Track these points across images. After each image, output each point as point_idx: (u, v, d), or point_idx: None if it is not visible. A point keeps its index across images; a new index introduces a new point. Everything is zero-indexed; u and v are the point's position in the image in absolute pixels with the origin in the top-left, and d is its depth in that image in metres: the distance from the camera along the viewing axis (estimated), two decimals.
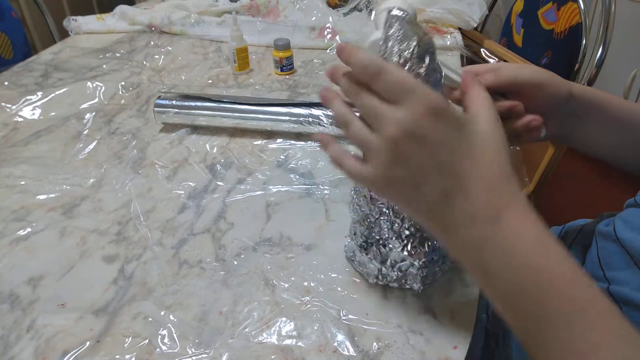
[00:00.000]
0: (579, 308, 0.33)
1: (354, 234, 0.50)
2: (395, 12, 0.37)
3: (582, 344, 0.32)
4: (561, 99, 0.48)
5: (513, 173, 0.36)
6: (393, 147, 0.34)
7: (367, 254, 0.48)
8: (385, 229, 0.46)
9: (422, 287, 0.46)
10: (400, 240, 0.45)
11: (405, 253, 0.45)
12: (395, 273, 0.46)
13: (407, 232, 0.45)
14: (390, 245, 0.46)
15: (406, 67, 0.37)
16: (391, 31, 0.38)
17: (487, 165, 0.35)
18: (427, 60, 0.37)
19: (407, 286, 0.47)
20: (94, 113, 0.82)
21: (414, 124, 0.33)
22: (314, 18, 1.17)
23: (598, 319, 0.33)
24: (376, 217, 0.46)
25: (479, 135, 0.36)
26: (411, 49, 0.37)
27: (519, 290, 0.34)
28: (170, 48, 1.11)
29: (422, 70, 0.37)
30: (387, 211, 0.45)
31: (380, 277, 0.47)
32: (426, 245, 0.45)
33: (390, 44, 0.38)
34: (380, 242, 0.46)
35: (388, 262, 0.46)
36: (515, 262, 0.34)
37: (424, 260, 0.45)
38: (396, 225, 0.45)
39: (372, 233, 0.47)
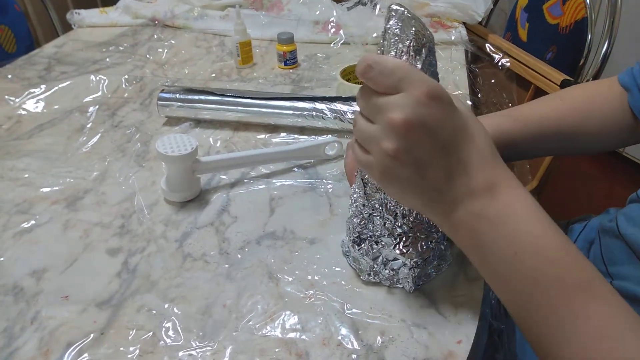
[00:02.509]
0: (571, 275, 0.34)
1: (348, 229, 0.49)
2: (394, 6, 0.38)
3: (572, 308, 0.33)
4: None
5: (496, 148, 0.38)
6: (396, 134, 0.34)
7: (359, 250, 0.48)
8: (378, 226, 0.46)
9: (413, 288, 0.46)
10: (392, 238, 0.45)
11: (397, 251, 0.45)
12: (387, 271, 0.46)
13: (399, 230, 0.45)
14: (383, 242, 0.46)
15: (402, 60, 0.37)
16: (389, 25, 0.38)
17: (480, 141, 0.36)
18: (423, 54, 0.37)
19: (399, 285, 0.47)
20: (97, 106, 0.82)
21: (415, 108, 0.33)
22: (317, 12, 1.16)
23: (585, 285, 0.34)
24: (370, 212, 0.46)
25: (465, 114, 0.37)
26: (407, 43, 0.37)
27: (513, 259, 0.35)
28: (173, 41, 1.10)
29: (418, 65, 0.37)
30: (380, 208, 0.45)
31: (372, 274, 0.47)
32: (419, 245, 0.45)
33: (387, 37, 0.38)
34: (373, 238, 0.46)
35: (380, 260, 0.46)
36: (509, 230, 0.35)
37: (415, 259, 0.45)
38: (388, 222, 0.45)
39: (365, 229, 0.47)
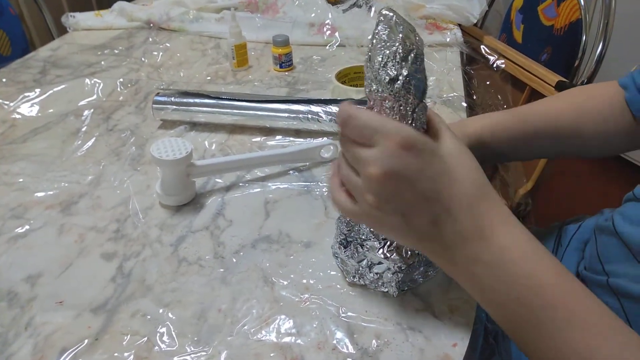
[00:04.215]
0: (570, 312, 0.34)
1: (337, 231, 0.50)
2: (384, 11, 0.38)
3: (577, 347, 0.33)
4: None
5: (490, 186, 0.37)
6: (375, 187, 0.35)
7: (345, 252, 0.48)
8: (365, 229, 0.46)
9: (397, 292, 0.46)
10: (377, 242, 0.45)
11: (382, 255, 0.45)
12: (372, 274, 0.46)
13: (383, 235, 0.45)
14: (369, 246, 0.46)
15: (388, 66, 0.37)
16: (377, 30, 0.38)
17: (466, 185, 0.36)
18: (409, 61, 0.37)
19: (384, 289, 0.47)
20: (92, 110, 0.82)
21: (390, 161, 0.34)
22: (313, 14, 1.16)
23: (590, 322, 0.34)
24: None
25: (449, 156, 0.36)
26: (393, 49, 0.37)
27: (511, 300, 0.35)
28: (168, 44, 1.10)
29: (404, 71, 0.37)
30: None
31: (357, 276, 0.47)
32: (403, 250, 0.45)
33: (374, 42, 0.38)
34: (359, 241, 0.46)
35: (365, 262, 0.46)
36: (506, 274, 0.35)
37: (399, 264, 0.45)
38: None
39: (352, 231, 0.47)
